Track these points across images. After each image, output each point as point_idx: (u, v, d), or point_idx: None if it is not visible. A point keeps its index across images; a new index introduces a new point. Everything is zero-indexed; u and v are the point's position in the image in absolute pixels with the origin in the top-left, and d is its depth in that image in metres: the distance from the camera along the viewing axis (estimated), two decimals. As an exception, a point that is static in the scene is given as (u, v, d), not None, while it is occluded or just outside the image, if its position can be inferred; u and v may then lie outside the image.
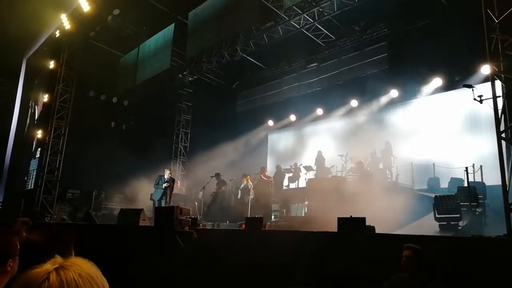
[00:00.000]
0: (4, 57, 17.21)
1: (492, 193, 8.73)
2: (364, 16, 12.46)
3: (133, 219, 7.53)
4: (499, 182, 5.16)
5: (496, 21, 5.62)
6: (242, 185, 11.86)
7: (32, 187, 15.51)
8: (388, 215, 7.06)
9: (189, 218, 7.05)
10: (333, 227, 5.26)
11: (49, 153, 14.23)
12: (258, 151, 16.76)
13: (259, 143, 17.07)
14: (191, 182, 15.34)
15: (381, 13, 12.00)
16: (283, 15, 11.48)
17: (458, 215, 7.36)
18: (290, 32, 12.15)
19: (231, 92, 18.41)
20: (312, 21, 11.62)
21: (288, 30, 12.13)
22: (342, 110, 14.36)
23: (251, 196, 10.93)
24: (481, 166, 9.44)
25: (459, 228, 7.31)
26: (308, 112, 15.31)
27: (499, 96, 5.55)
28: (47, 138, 14.44)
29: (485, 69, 9.11)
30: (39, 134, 15.78)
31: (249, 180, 11.47)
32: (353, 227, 4.92)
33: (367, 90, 12.76)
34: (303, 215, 11.18)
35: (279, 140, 17.71)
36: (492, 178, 9.11)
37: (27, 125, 19.31)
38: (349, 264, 4.42)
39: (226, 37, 12.83)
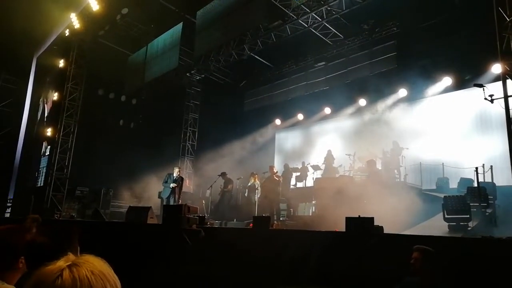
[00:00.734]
0: (14, 56, 17.41)
1: (503, 194, 8.64)
2: (373, 14, 12.38)
3: (142, 217, 7.57)
4: (510, 183, 5.11)
5: (508, 19, 5.55)
6: (249, 184, 11.87)
7: (42, 184, 15.68)
8: (396, 215, 7.01)
9: (197, 216, 7.07)
10: (341, 226, 5.23)
11: (58, 150, 14.37)
12: (266, 150, 16.76)
13: (267, 142, 17.07)
14: (199, 180, 15.39)
15: (390, 11, 11.91)
16: (291, 14, 11.44)
17: (468, 216, 7.29)
18: (298, 31, 12.11)
19: (239, 91, 18.42)
20: (320, 19, 11.56)
21: (296, 29, 12.09)
22: (350, 109, 14.29)
23: (258, 195, 10.94)
24: (491, 166, 9.32)
25: (469, 229, 7.24)
26: (315, 111, 15.26)
27: (511, 96, 5.49)
28: (56, 136, 14.57)
29: (496, 68, 9.00)
30: (48, 132, 15.94)
31: (256, 179, 11.49)
32: (362, 227, 4.89)
33: (375, 89, 12.68)
34: (310, 214, 11.17)
35: (287, 139, 17.69)
36: (503, 178, 9.02)
37: (37, 123, 19.52)
38: (357, 264, 4.40)
39: (234, 36, 12.83)
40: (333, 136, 15.04)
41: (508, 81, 5.65)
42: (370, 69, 13.39)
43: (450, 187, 10.73)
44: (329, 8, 11.06)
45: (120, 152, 14.08)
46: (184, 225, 6.48)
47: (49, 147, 16.06)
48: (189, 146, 17.70)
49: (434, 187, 11.21)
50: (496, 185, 8.92)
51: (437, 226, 7.71)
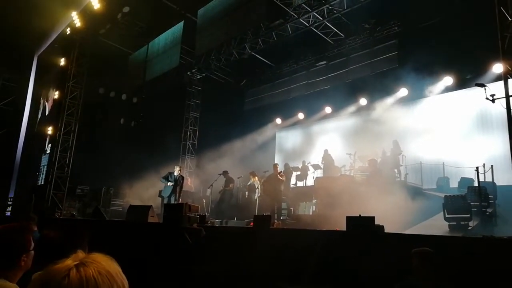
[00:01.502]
0: (15, 54, 17.43)
1: (503, 194, 8.64)
2: (374, 14, 12.35)
3: (142, 216, 7.58)
4: (511, 182, 5.10)
5: (510, 19, 5.54)
6: (248, 183, 11.88)
7: (42, 182, 15.69)
8: (397, 215, 7.01)
9: (198, 215, 7.07)
10: (342, 226, 5.24)
11: (59, 149, 14.37)
12: (266, 149, 16.76)
13: (267, 141, 17.08)
14: (200, 179, 15.40)
15: (391, 11, 11.89)
16: (292, 13, 11.43)
17: (468, 215, 7.30)
18: (299, 30, 12.11)
19: (240, 90, 18.41)
20: (321, 19, 11.56)
21: (297, 28, 12.08)
22: (350, 109, 14.30)
23: (258, 194, 10.95)
24: (492, 166, 9.32)
25: (469, 228, 7.25)
26: (316, 110, 15.26)
27: (512, 95, 5.48)
28: (57, 135, 14.58)
29: (498, 68, 8.98)
30: (49, 130, 15.95)
31: (256, 178, 11.49)
32: (362, 226, 4.89)
33: (376, 89, 12.67)
34: (311, 213, 11.17)
35: (287, 138, 17.69)
36: (503, 178, 9.02)
37: (38, 122, 19.54)
38: (358, 263, 4.40)
39: (235, 34, 12.83)
40: (333, 135, 15.04)
41: (510, 80, 5.64)
42: (371, 68, 13.36)
43: (451, 186, 10.74)
44: (330, 7, 11.05)
45: (120, 151, 14.08)
46: (185, 224, 6.49)
47: (49, 145, 16.07)
48: (190, 145, 17.71)
49: (434, 186, 11.21)
50: (497, 184, 8.92)
51: (437, 225, 7.72)
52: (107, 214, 11.98)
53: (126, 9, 14.04)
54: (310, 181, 13.32)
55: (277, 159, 16.74)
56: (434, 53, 10.98)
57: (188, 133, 17.76)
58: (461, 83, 11.40)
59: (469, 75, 11.06)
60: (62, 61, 16.09)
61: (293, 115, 16.12)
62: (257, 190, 11.13)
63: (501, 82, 5.70)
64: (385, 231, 4.99)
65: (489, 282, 3.61)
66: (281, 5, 11.32)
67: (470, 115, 11.68)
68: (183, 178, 11.41)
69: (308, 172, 13.73)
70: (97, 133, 14.99)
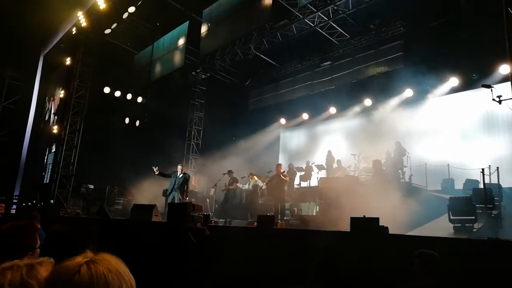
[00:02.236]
0: (22, 53, 17.55)
1: (509, 196, 8.57)
2: (380, 14, 12.31)
3: (146, 215, 7.60)
4: (517, 185, 5.06)
5: (517, 20, 5.50)
6: (250, 184, 11.87)
7: (47, 181, 15.80)
8: (401, 216, 6.98)
9: (202, 214, 7.08)
10: (346, 226, 5.22)
11: (64, 148, 14.47)
12: (270, 149, 16.75)
13: (271, 141, 17.06)
14: (204, 179, 15.43)
15: (397, 11, 11.83)
16: (297, 13, 11.42)
17: (473, 217, 7.25)
18: (304, 30, 12.09)
19: (244, 90, 18.41)
20: (326, 19, 11.53)
21: (302, 28, 12.07)
22: (355, 109, 14.24)
23: (261, 194, 10.96)
24: (497, 167, 9.24)
25: (474, 230, 7.19)
26: (321, 111, 15.23)
27: (519, 97, 5.44)
28: (62, 134, 14.68)
29: (504, 69, 8.92)
30: (55, 129, 16.05)
31: (256, 179, 11.48)
32: (367, 227, 4.87)
33: (381, 89, 12.62)
34: (314, 214, 11.14)
35: (291, 139, 17.66)
36: (509, 180, 8.95)
37: (43, 121, 19.67)
38: (362, 264, 4.39)
39: (240, 35, 12.83)
40: (338, 136, 14.99)
41: (516, 82, 5.60)
42: (376, 69, 13.31)
43: (456, 188, 10.67)
44: (335, 8, 11.03)
45: (125, 150, 14.15)
46: (189, 223, 6.50)
47: (55, 144, 16.18)
48: (194, 145, 17.75)
49: (439, 188, 11.14)
50: (502, 186, 8.85)
51: (442, 227, 7.67)
52: (111, 212, 12.03)
53: (131, 9, 14.11)
54: (314, 182, 13.29)
55: (281, 159, 16.73)
56: (440, 54, 10.92)
57: (193, 133, 17.80)
58: (467, 84, 11.32)
59: (475, 76, 10.98)
60: (68, 61, 16.20)
61: (297, 116, 16.09)
62: (260, 190, 11.13)
63: (508, 83, 5.66)
64: (390, 232, 4.97)
65: (494, 284, 3.58)
66: (286, 5, 11.32)
67: (475, 116, 11.60)
68: (189, 176, 11.43)
69: (312, 173, 13.71)
70: (102, 132, 15.07)
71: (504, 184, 8.91)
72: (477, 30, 9.68)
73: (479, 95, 10.10)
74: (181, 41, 14.62)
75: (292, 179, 13.12)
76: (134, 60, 17.11)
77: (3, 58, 16.39)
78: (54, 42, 18.46)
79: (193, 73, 15.87)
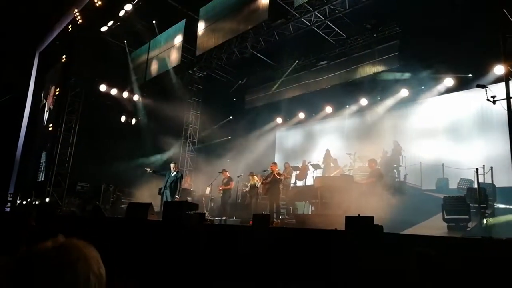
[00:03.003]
0: (17, 50, 17.44)
1: (503, 195, 8.65)
2: (376, 14, 12.33)
3: (142, 213, 7.60)
4: (510, 184, 5.11)
5: None
6: (249, 183, 11.89)
7: (42, 179, 15.72)
8: (396, 215, 7.03)
9: (197, 213, 7.09)
10: (341, 225, 5.25)
11: (59, 146, 14.40)
12: (266, 148, 16.76)
13: (267, 140, 17.07)
14: (199, 177, 15.43)
15: (393, 11, 11.86)
16: (294, 12, 11.43)
17: (467, 217, 7.30)
18: (301, 29, 12.10)
19: (240, 89, 18.39)
20: (323, 18, 11.55)
21: (298, 28, 12.08)
22: (351, 109, 14.29)
23: (259, 196, 10.98)
24: (491, 167, 9.32)
25: (468, 229, 7.25)
26: (317, 110, 15.27)
27: (513, 97, 5.49)
28: (58, 131, 14.61)
29: (499, 69, 8.99)
30: (50, 127, 15.97)
31: (255, 179, 11.51)
32: (361, 226, 4.90)
33: (377, 89, 12.68)
34: (310, 212, 11.19)
35: (287, 138, 17.69)
36: (503, 179, 9.02)
37: (38, 118, 19.56)
38: (357, 263, 4.42)
39: (236, 33, 12.80)
40: (334, 135, 15.03)
41: (511, 82, 5.65)
42: (372, 68, 13.35)
43: (450, 187, 10.74)
44: (332, 7, 11.04)
45: (121, 148, 14.10)
46: (184, 222, 6.51)
47: (50, 142, 16.10)
48: (190, 143, 17.73)
49: (434, 187, 11.21)
50: (496, 186, 8.93)
51: (436, 226, 7.72)
52: (107, 211, 12.00)
53: (128, 7, 14.06)
54: (310, 181, 13.33)
55: (277, 158, 16.74)
56: (435, 54, 10.97)
57: (189, 131, 17.78)
58: (462, 84, 11.40)
59: (470, 76, 11.06)
60: (64, 58, 16.12)
61: (293, 115, 16.12)
62: (257, 189, 11.15)
63: (502, 84, 5.71)
64: (384, 231, 5.01)
65: (488, 283, 3.62)
66: (283, 4, 11.32)
67: (470, 116, 11.69)
68: (182, 175, 11.46)
69: (308, 172, 13.74)
70: (97, 130, 15.00)
71: (498, 183, 8.99)
72: (472, 30, 9.74)
73: (474, 95, 10.18)
74: (178, 39, 14.59)
75: (289, 178, 13.15)
76: (131, 58, 17.04)
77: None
78: (50, 40, 18.36)
79: (189, 71, 15.84)
